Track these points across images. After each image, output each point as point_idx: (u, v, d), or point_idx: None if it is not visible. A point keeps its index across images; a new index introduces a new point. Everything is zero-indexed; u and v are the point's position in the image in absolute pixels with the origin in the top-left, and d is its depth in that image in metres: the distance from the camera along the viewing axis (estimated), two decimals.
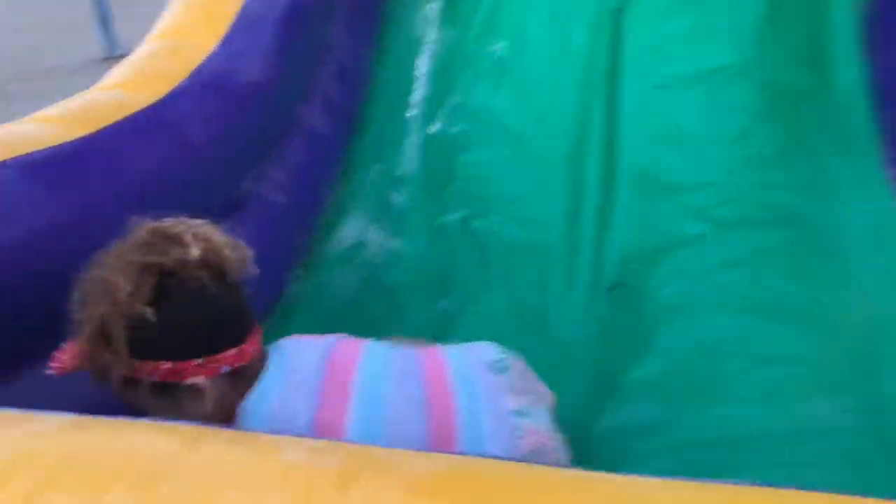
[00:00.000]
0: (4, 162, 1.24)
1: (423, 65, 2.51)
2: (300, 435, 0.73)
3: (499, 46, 2.43)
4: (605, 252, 1.91)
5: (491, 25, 2.47)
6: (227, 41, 1.83)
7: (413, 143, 2.33)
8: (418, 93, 2.45)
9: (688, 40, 2.26)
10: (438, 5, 2.60)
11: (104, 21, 6.43)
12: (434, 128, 2.32)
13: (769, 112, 2.10)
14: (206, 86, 1.71)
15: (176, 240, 0.99)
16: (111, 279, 0.94)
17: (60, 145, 1.36)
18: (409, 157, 2.31)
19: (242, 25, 1.87)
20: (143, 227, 1.01)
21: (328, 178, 2.18)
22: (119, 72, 1.71)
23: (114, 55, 5.94)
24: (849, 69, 2.13)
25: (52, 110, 1.47)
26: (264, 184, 1.91)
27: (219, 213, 1.74)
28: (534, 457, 1.06)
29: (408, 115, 2.40)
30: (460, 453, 1.01)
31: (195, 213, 1.63)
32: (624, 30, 2.38)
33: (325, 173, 2.17)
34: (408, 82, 2.46)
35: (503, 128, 2.26)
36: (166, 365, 0.97)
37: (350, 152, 2.31)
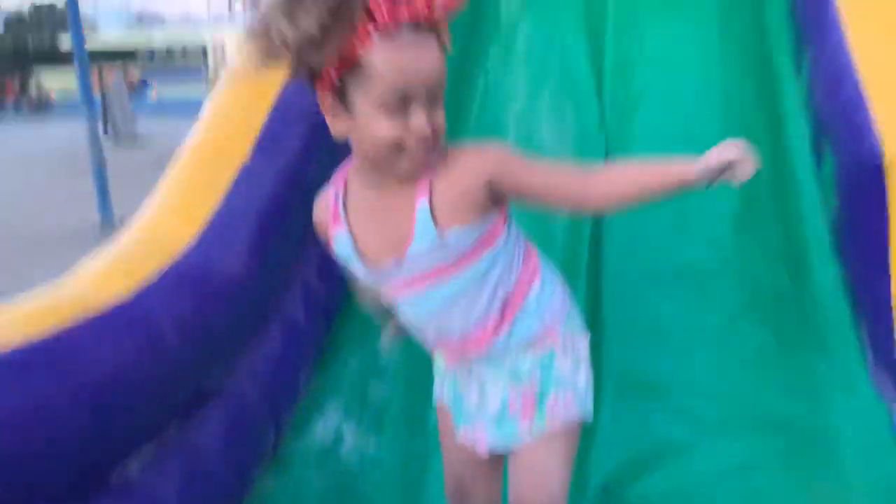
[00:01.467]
0: None
1: None
2: None
3: None
4: (592, 458, 1.82)
5: None
6: (206, 235, 1.84)
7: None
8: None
9: (666, 236, 2.29)
10: None
11: (102, 191, 6.60)
12: None
13: (749, 310, 2.09)
14: (181, 281, 1.69)
15: None
16: None
17: (27, 344, 1.31)
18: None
19: (222, 219, 1.89)
20: None
21: (304, 369, 2.11)
22: (93, 265, 1.69)
23: (110, 225, 6.06)
24: (825, 269, 2.15)
25: (20, 307, 1.43)
26: (237, 374, 1.84)
27: (188, 406, 1.68)
28: None
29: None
30: None
31: (163, 407, 1.57)
32: (603, 225, 2.43)
33: (301, 364, 2.11)
34: None
35: None
36: None
37: (329, 341, 2.27)
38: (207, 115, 2.20)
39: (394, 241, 1.20)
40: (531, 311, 1.30)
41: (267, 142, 2.08)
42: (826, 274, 2.16)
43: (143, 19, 40.89)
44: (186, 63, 29.43)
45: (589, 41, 2.99)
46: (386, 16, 1.03)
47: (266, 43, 1.04)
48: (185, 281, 1.70)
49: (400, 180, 1.16)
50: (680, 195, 2.34)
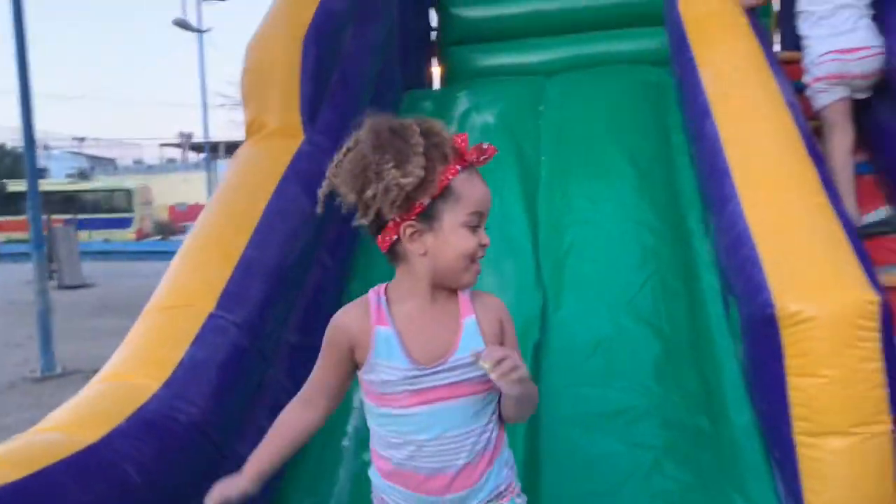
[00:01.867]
0: None
1: (359, 396, 2.67)
2: None
3: None
4: None
5: None
6: (170, 383, 1.97)
7: (348, 473, 2.40)
8: (354, 423, 2.58)
9: (596, 383, 2.50)
10: None
11: (45, 338, 6.57)
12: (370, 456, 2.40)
13: (672, 451, 2.27)
14: (146, 427, 1.81)
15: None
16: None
17: (8, 484, 1.41)
18: (343, 489, 2.36)
19: (185, 369, 2.03)
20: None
21: None
22: (60, 413, 1.81)
23: (52, 373, 6.01)
24: (741, 412, 2.37)
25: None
26: None
27: None
28: None
29: (344, 443, 2.50)
30: None
31: None
32: (543, 369, 2.63)
33: None
34: (346, 413, 2.60)
35: None
36: None
37: (284, 485, 2.35)
38: (174, 269, 2.38)
39: (439, 346, 1.40)
40: (505, 458, 1.46)
41: (230, 295, 2.27)
42: (741, 416, 2.37)
43: (96, 166, 41.62)
44: (112, 208, 30.48)
45: (524, 201, 3.31)
46: (472, 155, 1.36)
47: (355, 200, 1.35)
48: (149, 427, 1.82)
49: (446, 295, 1.42)
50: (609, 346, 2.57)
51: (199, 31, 19.87)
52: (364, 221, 1.37)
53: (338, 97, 3.17)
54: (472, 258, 1.39)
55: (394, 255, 1.41)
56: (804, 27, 3.30)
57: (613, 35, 4.52)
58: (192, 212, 36.63)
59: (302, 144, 2.89)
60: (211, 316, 2.19)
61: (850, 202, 3.05)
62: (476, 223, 1.38)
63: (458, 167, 1.35)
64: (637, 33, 4.44)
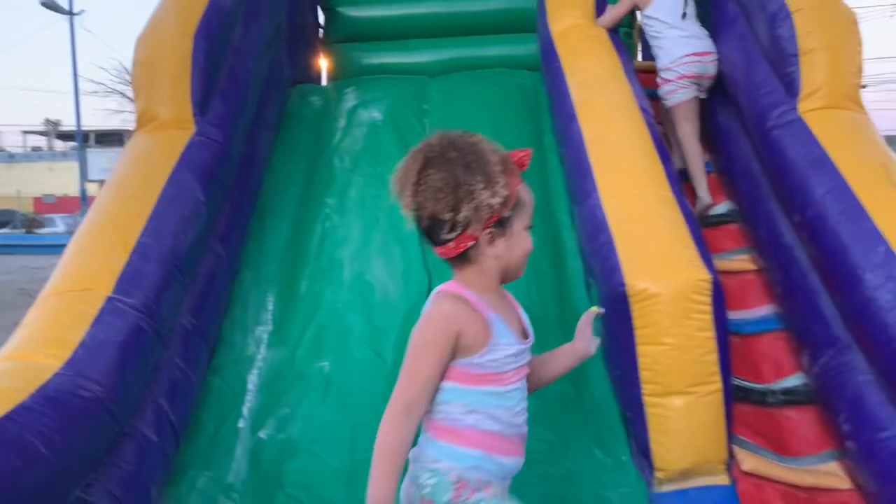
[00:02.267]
0: None
1: (253, 379, 2.81)
2: None
3: (324, 363, 2.81)
4: None
5: (317, 345, 2.87)
6: (72, 362, 2.06)
7: (244, 450, 2.54)
8: (249, 405, 2.72)
9: None
10: (268, 327, 2.99)
11: None
12: (264, 434, 2.57)
13: (540, 415, 2.54)
14: (51, 403, 1.90)
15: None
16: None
17: None
18: (240, 464, 2.50)
19: (87, 348, 2.12)
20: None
21: (156, 486, 2.30)
22: None
23: None
24: (601, 379, 2.68)
25: None
26: (94, 492, 2.02)
27: None
28: None
29: (239, 424, 2.64)
30: None
31: None
32: None
33: (153, 481, 2.30)
34: (241, 395, 2.73)
35: (329, 434, 2.55)
36: None
37: (178, 461, 2.47)
38: (70, 254, 2.45)
39: (519, 329, 1.73)
40: None
41: (127, 279, 2.36)
42: (601, 383, 2.69)
43: None
44: None
45: None
46: (525, 166, 1.65)
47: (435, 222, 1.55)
48: (54, 403, 1.91)
49: (502, 290, 1.73)
50: None
51: (69, 13, 18.90)
52: (451, 236, 1.56)
53: (227, 90, 3.27)
54: (528, 256, 1.68)
55: (464, 257, 1.61)
56: (657, 33, 3.66)
57: (492, 40, 4.81)
58: (63, 204, 34.70)
59: (193, 136, 2.98)
60: (109, 299, 2.28)
61: (702, 185, 3.45)
62: (531, 225, 1.68)
63: (519, 178, 1.61)
64: (514, 39, 4.74)
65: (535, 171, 3.59)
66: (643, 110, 3.10)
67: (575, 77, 3.37)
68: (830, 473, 2.43)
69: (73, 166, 41.73)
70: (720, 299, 2.35)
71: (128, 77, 20.27)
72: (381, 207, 3.44)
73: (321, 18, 5.02)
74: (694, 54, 3.54)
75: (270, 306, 3.07)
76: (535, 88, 4.12)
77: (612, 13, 3.69)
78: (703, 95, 3.60)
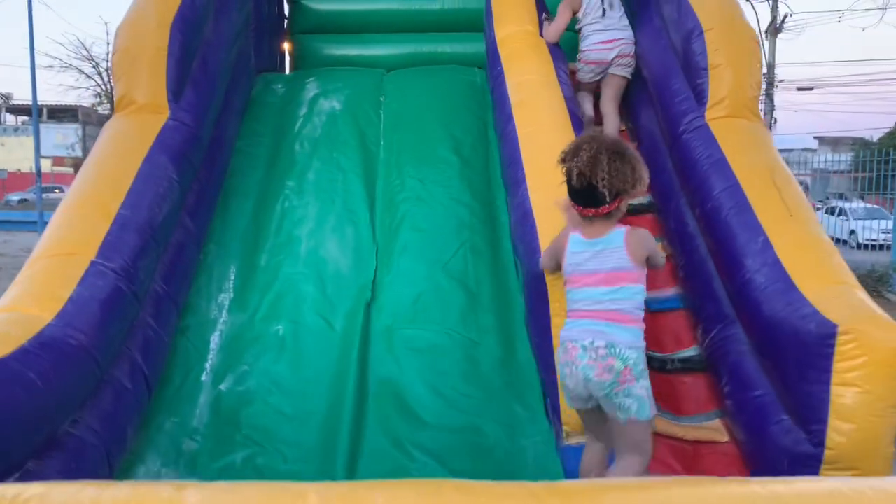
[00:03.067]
0: None
1: (215, 340, 3.14)
2: None
3: (279, 327, 3.16)
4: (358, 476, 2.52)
5: (274, 311, 3.21)
6: (62, 315, 2.37)
7: (206, 400, 2.88)
8: (211, 362, 3.05)
9: (415, 323, 3.13)
10: (229, 295, 3.32)
11: None
12: (224, 387, 2.90)
13: (468, 375, 2.94)
14: (44, 347, 2.21)
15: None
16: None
17: None
18: (203, 411, 2.84)
19: (74, 304, 2.43)
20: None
21: (130, 426, 2.63)
22: None
23: None
24: (525, 345, 3.07)
25: None
26: (80, 426, 2.34)
27: (40, 449, 2.16)
28: None
29: (202, 378, 2.97)
30: None
31: (26, 448, 2.05)
32: (373, 317, 3.22)
33: (128, 421, 2.62)
34: (204, 353, 3.06)
35: (281, 388, 2.90)
36: None
37: (150, 407, 2.79)
38: (56, 223, 2.75)
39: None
40: None
41: (108, 246, 2.67)
42: (524, 349, 3.08)
43: None
44: None
45: (365, 179, 3.88)
46: None
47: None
48: (47, 347, 2.23)
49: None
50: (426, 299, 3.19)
51: None
52: (609, 199, 2.27)
53: (199, 79, 3.57)
54: None
55: (610, 213, 2.31)
56: (583, 23, 4.06)
57: (446, 38, 5.16)
58: (13, 180, 34.02)
59: (168, 120, 3.28)
60: (93, 263, 2.59)
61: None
62: None
63: None
64: (467, 37, 5.09)
65: (480, 162, 4.02)
66: (570, 112, 3.49)
67: (513, 80, 3.74)
68: (713, 429, 2.86)
69: (24, 141, 40.82)
70: None
71: (85, 52, 19.91)
72: (336, 190, 3.79)
73: (286, 10, 5.30)
74: (600, 42, 3.96)
75: (232, 276, 3.40)
76: (483, 86, 4.49)
77: (556, 26, 4.07)
78: (620, 72, 3.98)
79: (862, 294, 2.46)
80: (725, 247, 2.84)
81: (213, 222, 3.60)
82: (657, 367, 3.09)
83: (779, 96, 28.09)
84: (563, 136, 3.22)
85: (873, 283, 8.09)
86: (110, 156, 3.07)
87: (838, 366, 2.23)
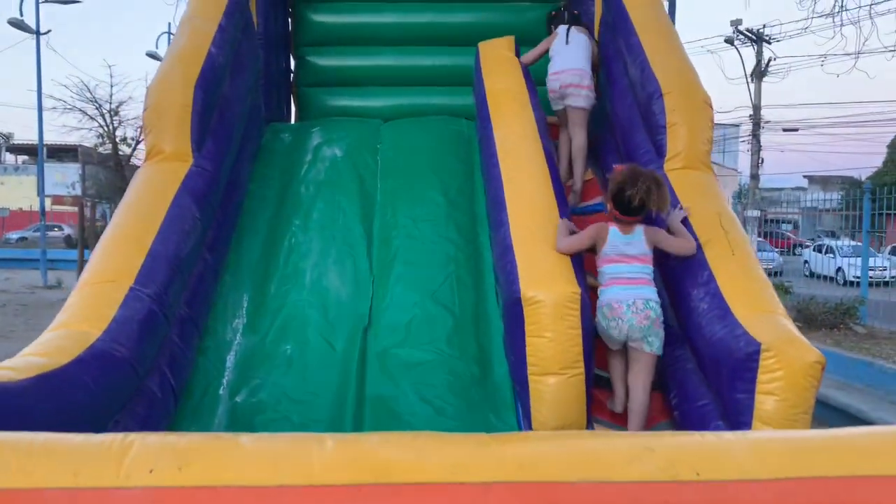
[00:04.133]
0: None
1: (231, 359, 3.57)
2: None
3: (287, 347, 3.59)
4: None
5: (282, 333, 3.65)
6: (108, 331, 2.81)
7: (224, 410, 3.30)
8: (228, 378, 3.48)
9: (406, 344, 3.57)
10: (243, 320, 3.75)
11: None
12: (240, 398, 3.33)
13: (452, 388, 3.37)
14: (95, 358, 2.65)
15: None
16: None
17: (18, 381, 2.23)
18: (221, 419, 3.26)
19: (117, 323, 2.87)
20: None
21: (161, 431, 3.03)
22: (35, 347, 2.61)
23: None
24: (501, 365, 3.51)
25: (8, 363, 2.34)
26: (119, 427, 2.75)
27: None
28: None
29: (220, 392, 3.40)
30: None
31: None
32: (370, 338, 3.66)
33: (159, 426, 3.03)
34: (221, 370, 3.49)
35: (290, 398, 3.33)
36: None
37: (176, 416, 3.21)
38: (98, 256, 3.19)
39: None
40: None
41: (144, 275, 3.11)
42: (501, 367, 3.51)
43: None
44: None
45: (362, 218, 4.34)
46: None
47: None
48: (97, 358, 2.66)
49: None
50: (416, 323, 3.62)
51: (37, 32, 19.32)
52: (644, 212, 3.25)
53: (217, 130, 4.05)
54: None
55: (638, 219, 3.26)
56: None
57: (437, 91, 5.68)
58: (14, 218, 34.47)
59: (191, 167, 3.75)
60: (131, 289, 3.03)
61: (575, 173, 4.51)
62: None
63: None
64: (456, 91, 5.61)
65: (465, 203, 4.50)
66: (548, 157, 3.97)
67: (500, 131, 4.23)
68: None
69: (24, 180, 41.41)
70: (586, 307, 3.18)
71: (89, 94, 20.32)
72: (337, 228, 4.25)
73: (293, 65, 5.83)
74: (554, 73, 4.51)
75: (245, 303, 3.85)
76: (470, 135, 4.99)
77: (533, 53, 4.66)
78: (577, 104, 4.47)
79: (785, 320, 2.90)
80: (677, 279, 3.30)
81: (228, 256, 4.05)
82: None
83: (765, 137, 28.86)
84: (541, 184, 3.70)
85: (840, 315, 8.52)
86: (143, 198, 3.54)
87: (761, 378, 2.68)
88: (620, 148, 4.11)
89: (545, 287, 3.16)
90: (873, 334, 8.54)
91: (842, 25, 11.49)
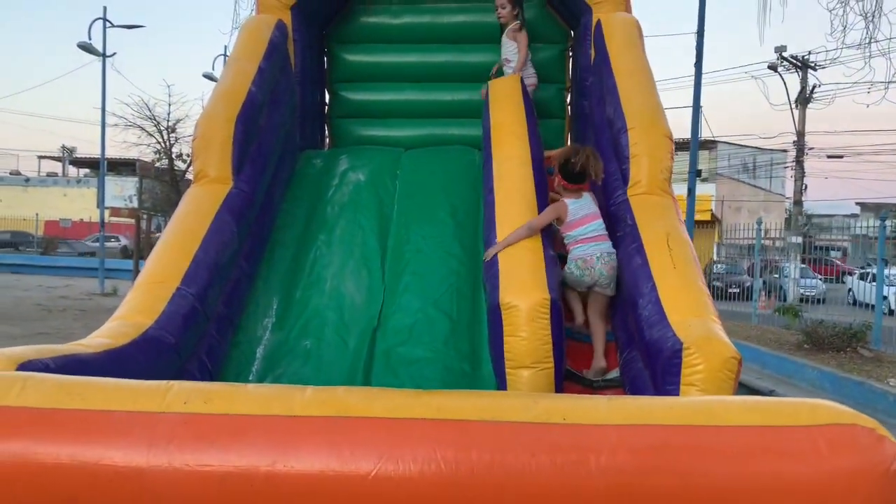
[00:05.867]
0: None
1: (260, 351, 4.24)
2: None
3: (307, 342, 4.24)
4: None
5: (304, 331, 4.30)
6: (158, 322, 3.50)
7: None
8: (256, 367, 4.14)
9: (408, 343, 4.19)
10: (272, 319, 4.43)
11: None
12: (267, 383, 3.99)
13: (445, 382, 3.97)
14: (147, 342, 3.33)
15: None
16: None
17: (90, 354, 2.92)
18: None
19: (166, 315, 3.55)
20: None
21: None
22: (101, 331, 3.30)
23: None
24: (489, 363, 4.09)
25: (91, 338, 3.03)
26: None
27: None
28: None
29: (250, 378, 4.06)
30: None
31: None
32: (378, 339, 4.29)
33: None
34: (251, 361, 4.16)
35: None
36: None
37: None
38: (153, 260, 3.90)
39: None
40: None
41: (189, 278, 3.80)
42: (488, 364, 4.10)
43: None
44: None
45: (379, 235, 4.99)
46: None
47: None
48: (149, 344, 3.34)
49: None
50: (419, 326, 4.25)
51: (103, 55, 20.69)
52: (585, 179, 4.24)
53: (255, 157, 4.75)
54: None
55: (584, 186, 4.26)
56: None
57: (454, 122, 6.32)
58: (77, 229, 36.30)
59: (231, 188, 4.45)
60: (178, 289, 3.72)
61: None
62: None
63: None
64: (470, 123, 6.23)
65: (471, 224, 5.13)
66: (538, 185, 4.56)
67: (498, 159, 4.85)
68: None
69: (85, 193, 43.51)
70: (557, 310, 3.76)
71: (148, 112, 21.48)
72: (356, 243, 4.91)
73: (327, 99, 6.55)
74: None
75: (275, 306, 4.52)
76: (479, 163, 5.61)
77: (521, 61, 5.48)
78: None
79: (712, 323, 3.43)
80: (629, 289, 3.87)
81: (261, 265, 4.74)
82: (587, 384, 4.09)
83: (809, 163, 28.89)
84: (528, 208, 4.29)
85: (847, 339, 8.86)
86: (190, 213, 4.25)
87: (685, 371, 3.21)
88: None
89: (521, 294, 3.75)
90: (879, 358, 8.85)
91: (870, 57, 11.79)
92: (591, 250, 4.13)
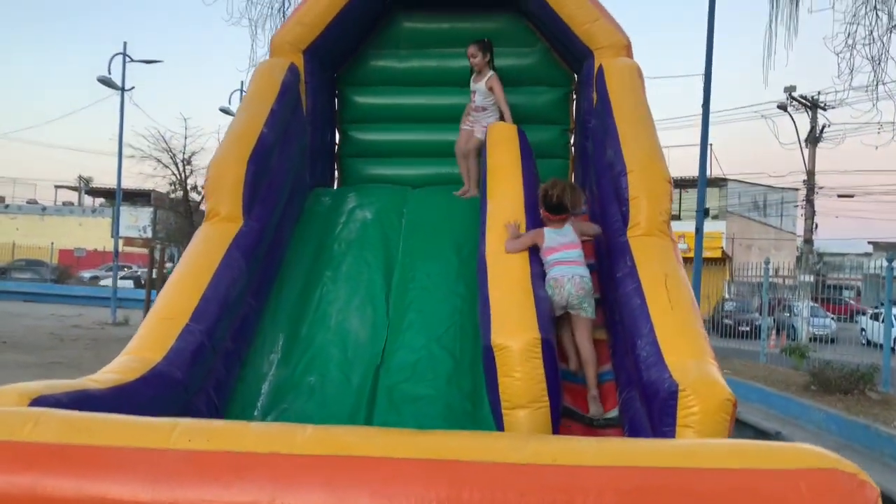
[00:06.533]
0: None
1: (265, 387, 4.33)
2: None
3: (312, 378, 4.33)
4: None
5: (308, 367, 4.40)
6: (166, 358, 3.60)
7: None
8: (261, 402, 4.23)
9: (411, 381, 4.27)
10: (277, 356, 4.52)
11: None
12: (271, 420, 4.07)
13: (447, 420, 4.04)
14: (156, 378, 3.43)
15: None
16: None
17: (100, 390, 3.02)
18: None
19: (174, 351, 3.66)
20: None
21: None
22: (111, 366, 3.40)
23: None
24: (487, 399, 4.16)
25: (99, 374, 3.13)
26: None
27: None
28: None
29: (255, 414, 4.15)
30: None
31: None
32: (381, 376, 4.37)
33: None
34: (256, 396, 4.25)
35: (311, 422, 3.98)
36: None
37: None
38: (164, 296, 4.01)
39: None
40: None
41: (198, 314, 3.91)
42: (486, 402, 4.17)
43: None
44: None
45: (384, 272, 5.09)
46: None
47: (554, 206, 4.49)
48: (158, 378, 3.44)
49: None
50: (422, 364, 4.35)
51: (122, 89, 21.14)
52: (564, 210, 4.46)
53: (265, 197, 4.89)
54: None
55: (567, 219, 4.47)
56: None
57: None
58: (92, 259, 36.66)
59: (241, 227, 4.58)
60: (187, 325, 3.82)
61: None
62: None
63: None
64: None
65: (475, 262, 5.20)
66: (528, 225, 4.65)
67: (491, 201, 4.94)
68: None
69: (100, 222, 44.05)
70: (549, 350, 3.81)
71: (164, 144, 21.90)
72: (362, 280, 5.02)
73: (338, 138, 6.71)
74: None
75: (281, 342, 4.62)
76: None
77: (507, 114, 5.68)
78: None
79: (708, 366, 3.50)
80: (628, 330, 3.94)
81: (269, 301, 4.85)
82: (587, 423, 4.15)
83: (819, 202, 28.93)
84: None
85: (855, 381, 8.85)
86: (201, 251, 4.37)
87: (681, 413, 3.27)
88: (599, 219, 4.80)
89: (512, 335, 3.80)
90: (887, 401, 8.83)
91: (877, 100, 11.86)
92: (564, 271, 4.34)
